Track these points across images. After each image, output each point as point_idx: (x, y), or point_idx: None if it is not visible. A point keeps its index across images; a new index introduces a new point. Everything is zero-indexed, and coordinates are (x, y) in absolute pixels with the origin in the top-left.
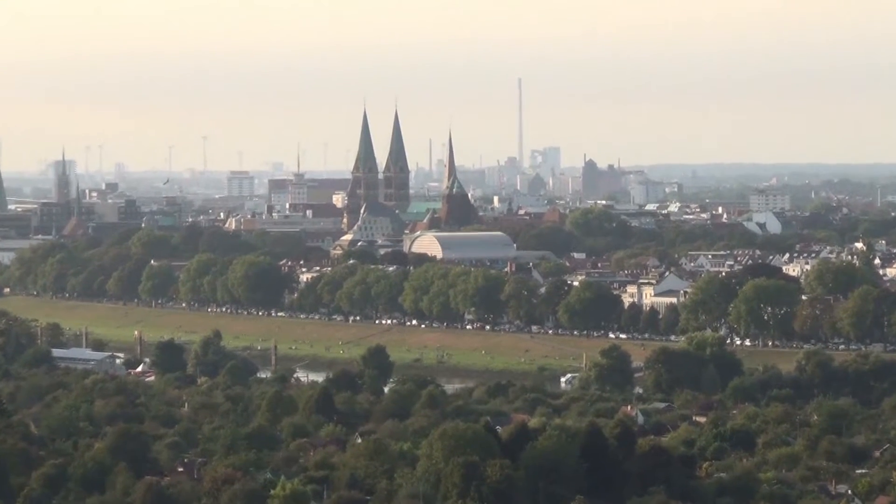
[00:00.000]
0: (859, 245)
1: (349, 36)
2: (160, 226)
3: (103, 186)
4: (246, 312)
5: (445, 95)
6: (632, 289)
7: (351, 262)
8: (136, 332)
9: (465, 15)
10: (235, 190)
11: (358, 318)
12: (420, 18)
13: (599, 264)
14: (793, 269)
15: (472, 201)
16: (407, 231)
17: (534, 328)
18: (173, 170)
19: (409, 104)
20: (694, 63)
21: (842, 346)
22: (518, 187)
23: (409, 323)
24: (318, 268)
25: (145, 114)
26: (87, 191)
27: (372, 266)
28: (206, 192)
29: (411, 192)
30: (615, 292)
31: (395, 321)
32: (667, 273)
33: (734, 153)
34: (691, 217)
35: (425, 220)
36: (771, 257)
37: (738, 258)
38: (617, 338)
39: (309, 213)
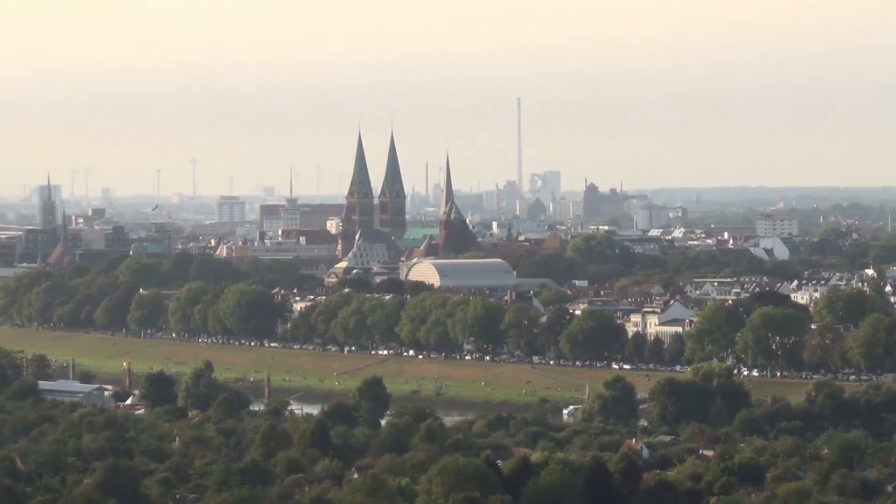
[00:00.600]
0: (870, 272)
1: (343, 56)
2: (149, 253)
3: (90, 212)
4: (238, 343)
5: (442, 117)
6: (636, 317)
7: (346, 290)
8: (124, 364)
9: (462, 34)
10: (226, 215)
11: (353, 348)
12: (416, 38)
13: (602, 292)
14: (801, 297)
15: (471, 227)
16: (403, 258)
17: (535, 358)
18: (161, 194)
19: (405, 126)
20: (698, 84)
21: (852, 377)
22: (517, 212)
23: (406, 353)
24: (311, 296)
25: (132, 137)
26: (73, 217)
27: (367, 295)
28: (195, 217)
29: (407, 217)
30: (618, 321)
31: (391, 351)
32: (672, 301)
33: (740, 176)
34: (696, 243)
35: (422, 247)
36: (779, 285)
37: (745, 286)
38: (621, 368)
39: (302, 239)
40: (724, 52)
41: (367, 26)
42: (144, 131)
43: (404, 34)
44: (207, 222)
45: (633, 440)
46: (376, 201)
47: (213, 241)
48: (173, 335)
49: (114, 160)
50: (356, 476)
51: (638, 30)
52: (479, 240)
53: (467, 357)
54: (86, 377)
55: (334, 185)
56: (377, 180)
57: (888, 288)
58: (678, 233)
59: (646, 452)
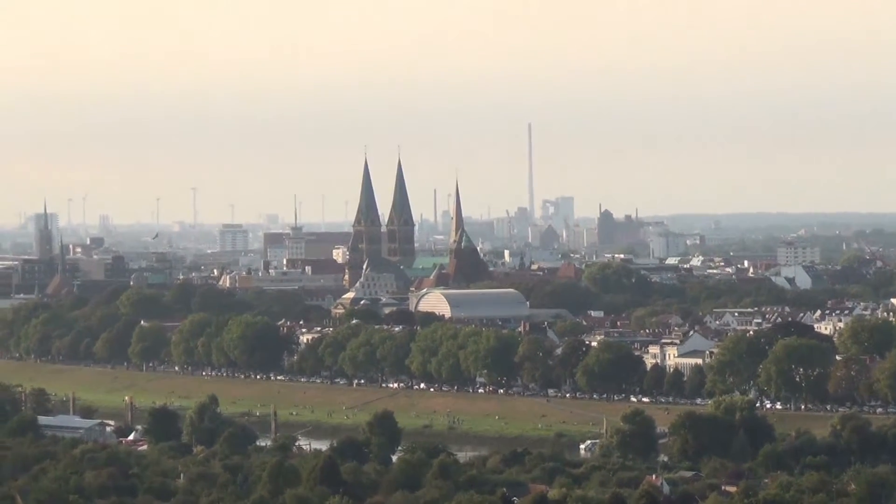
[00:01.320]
0: (895, 301)
1: (349, 81)
2: (150, 283)
3: (88, 241)
4: (243, 376)
5: (451, 142)
6: (654, 349)
7: (354, 321)
8: (126, 398)
9: (472, 57)
10: (228, 244)
11: (362, 381)
12: (424, 61)
13: (619, 323)
14: (825, 328)
15: (482, 256)
16: (413, 288)
17: (550, 391)
18: (161, 222)
19: (413, 151)
20: (715, 107)
21: (879, 410)
22: (530, 240)
23: (416, 387)
24: (318, 328)
25: (131, 163)
26: (70, 246)
27: (376, 326)
28: (197, 246)
29: (416, 246)
30: (636, 353)
31: (402, 385)
32: (691, 332)
33: (759, 202)
34: (715, 272)
35: (432, 277)
36: (801, 314)
37: (767, 316)
38: (639, 401)
39: (308, 269)
40: (741, 76)
41: (373, 51)
42: (143, 158)
43: (412, 58)
44: (209, 251)
45: (654, 476)
46: (384, 229)
47: (215, 270)
48: (176, 368)
49: (112, 187)
50: None
51: (652, 53)
52: (491, 269)
53: (480, 390)
54: (86, 412)
55: (340, 213)
56: (384, 207)
57: None
58: (696, 261)
59: (666, 489)
